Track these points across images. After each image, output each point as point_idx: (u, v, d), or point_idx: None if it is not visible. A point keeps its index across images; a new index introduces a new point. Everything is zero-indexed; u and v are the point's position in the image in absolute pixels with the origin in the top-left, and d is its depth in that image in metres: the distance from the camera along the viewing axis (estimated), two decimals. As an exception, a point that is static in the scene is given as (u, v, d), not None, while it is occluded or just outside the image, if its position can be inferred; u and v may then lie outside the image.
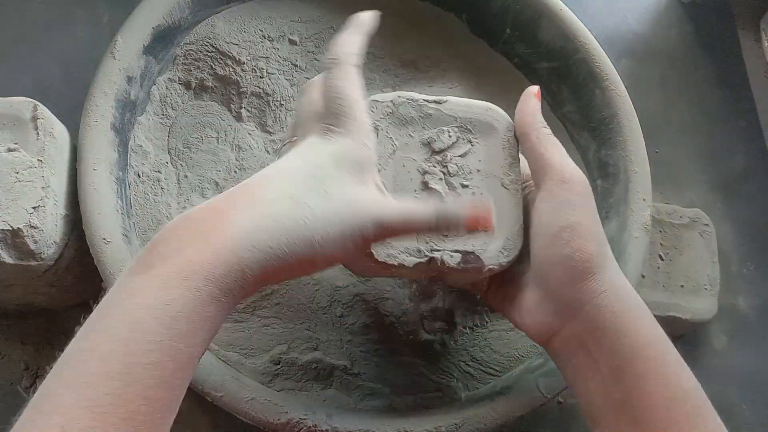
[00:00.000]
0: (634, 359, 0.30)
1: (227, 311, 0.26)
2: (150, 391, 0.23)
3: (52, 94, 0.53)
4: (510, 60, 0.54)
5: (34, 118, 0.39)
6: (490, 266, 0.34)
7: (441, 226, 0.31)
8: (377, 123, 0.35)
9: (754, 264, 0.62)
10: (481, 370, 0.44)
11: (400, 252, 0.34)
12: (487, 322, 0.45)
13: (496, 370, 0.44)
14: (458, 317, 0.45)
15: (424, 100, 0.36)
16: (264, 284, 0.27)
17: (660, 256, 0.55)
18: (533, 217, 0.34)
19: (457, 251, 0.34)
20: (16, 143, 0.38)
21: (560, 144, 0.34)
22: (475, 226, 0.31)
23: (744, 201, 0.65)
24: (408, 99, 0.36)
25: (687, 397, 0.30)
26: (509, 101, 0.53)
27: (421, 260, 0.34)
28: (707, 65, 0.70)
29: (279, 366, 0.41)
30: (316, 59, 0.50)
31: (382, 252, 0.33)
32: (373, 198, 0.30)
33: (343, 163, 0.30)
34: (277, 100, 0.48)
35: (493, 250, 0.34)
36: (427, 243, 0.34)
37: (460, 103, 0.36)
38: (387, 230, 0.30)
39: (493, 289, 0.38)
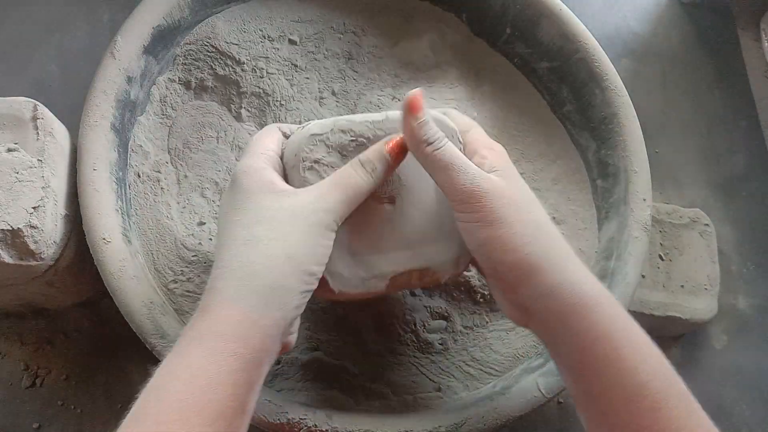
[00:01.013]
0: (586, 357, 0.30)
1: (257, 362, 0.28)
2: None
3: (52, 94, 0.53)
4: (510, 60, 0.54)
5: (34, 118, 0.39)
6: (447, 277, 0.36)
7: (371, 170, 0.33)
8: (319, 158, 0.34)
9: (754, 264, 0.62)
10: (481, 370, 0.44)
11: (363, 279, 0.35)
12: (487, 322, 0.45)
13: (496, 370, 0.44)
14: (458, 317, 0.45)
15: (365, 121, 0.34)
16: (279, 323, 0.29)
17: (660, 256, 0.55)
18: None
19: (413, 270, 0.35)
20: (16, 143, 0.38)
21: (448, 155, 0.32)
22: (398, 151, 0.33)
23: (744, 201, 0.65)
24: (343, 128, 0.34)
25: (645, 392, 0.29)
26: (509, 101, 0.53)
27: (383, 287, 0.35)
28: (707, 65, 0.70)
29: (279, 366, 0.41)
30: (316, 59, 0.50)
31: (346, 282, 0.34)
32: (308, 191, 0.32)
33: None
34: (277, 100, 0.48)
35: (448, 261, 0.35)
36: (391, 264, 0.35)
37: (387, 120, 0.35)
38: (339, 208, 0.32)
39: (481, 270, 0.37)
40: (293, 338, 0.32)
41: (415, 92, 0.32)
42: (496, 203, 0.31)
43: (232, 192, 0.32)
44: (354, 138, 0.34)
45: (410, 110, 0.32)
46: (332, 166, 0.34)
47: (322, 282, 0.33)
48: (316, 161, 0.34)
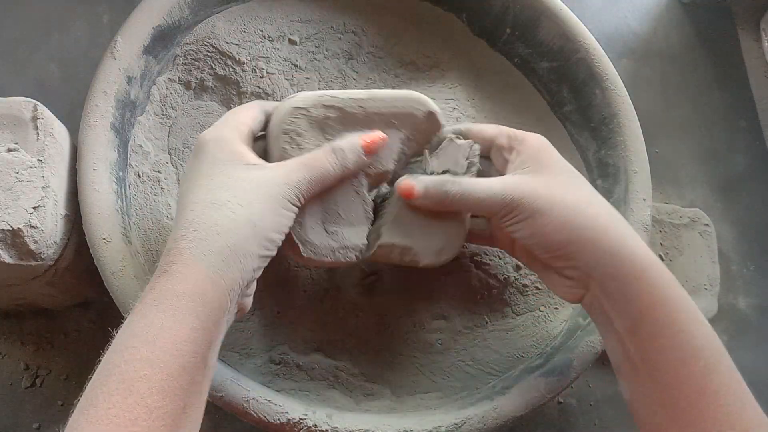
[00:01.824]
0: (643, 321, 0.32)
1: (215, 320, 0.29)
2: (147, 400, 0.26)
3: (52, 94, 0.53)
4: (510, 60, 0.54)
5: (34, 118, 0.39)
6: (426, 263, 0.37)
7: (341, 159, 0.34)
8: (300, 131, 0.35)
9: (754, 264, 0.62)
10: (481, 370, 0.44)
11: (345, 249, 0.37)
12: (487, 322, 0.45)
13: (496, 370, 0.44)
14: (458, 317, 0.45)
15: (349, 98, 0.36)
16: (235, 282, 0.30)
17: (660, 256, 0.55)
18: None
19: (399, 247, 0.37)
20: (16, 143, 0.38)
21: (463, 190, 0.35)
22: (371, 149, 0.36)
23: (744, 201, 0.65)
24: (326, 104, 0.35)
25: (699, 355, 0.31)
26: (509, 101, 0.53)
27: (370, 253, 0.37)
28: (707, 65, 0.70)
29: (279, 366, 0.41)
30: (316, 59, 0.50)
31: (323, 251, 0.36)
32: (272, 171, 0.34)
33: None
34: (277, 101, 0.48)
35: (431, 251, 0.37)
36: (378, 237, 0.37)
37: (385, 98, 0.37)
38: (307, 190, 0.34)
39: (518, 252, 0.40)
40: (249, 301, 0.34)
41: (403, 186, 0.36)
42: (527, 200, 0.34)
43: (198, 159, 0.33)
44: (336, 114, 0.35)
45: (408, 199, 0.36)
46: (312, 141, 0.35)
47: (294, 247, 0.35)
48: (298, 134, 0.35)
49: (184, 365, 0.27)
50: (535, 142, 0.37)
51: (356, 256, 0.37)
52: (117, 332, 0.28)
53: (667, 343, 0.31)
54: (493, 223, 0.40)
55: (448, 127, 0.39)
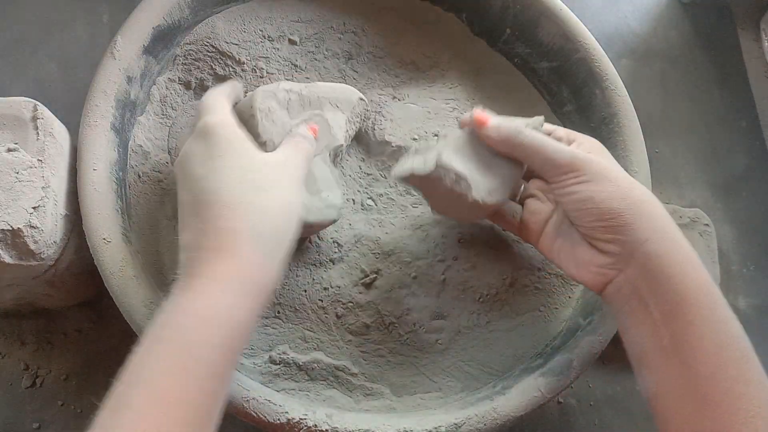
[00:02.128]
0: (684, 305, 0.32)
1: (265, 302, 0.31)
2: (203, 381, 0.27)
3: (52, 94, 0.53)
4: (510, 60, 0.54)
5: (34, 118, 0.39)
6: (474, 198, 0.38)
7: (309, 141, 0.39)
8: (272, 108, 0.40)
9: (754, 264, 0.62)
10: (481, 370, 0.44)
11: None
12: (487, 322, 0.45)
13: (496, 370, 0.44)
14: (458, 317, 0.45)
15: (303, 86, 0.42)
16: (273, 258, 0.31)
17: (660, 256, 0.55)
18: (559, 201, 0.38)
19: (455, 172, 0.38)
20: (16, 143, 0.38)
21: (538, 139, 0.37)
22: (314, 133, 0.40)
23: (744, 201, 0.65)
24: (287, 88, 0.41)
25: (735, 344, 0.31)
26: (509, 101, 0.53)
27: (427, 170, 0.38)
28: (707, 65, 0.70)
29: (279, 366, 0.41)
30: (316, 59, 0.50)
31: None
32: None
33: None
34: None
35: (483, 187, 0.38)
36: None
37: (326, 87, 0.43)
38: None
39: (546, 241, 0.40)
40: None
41: (478, 113, 0.38)
42: (595, 165, 0.36)
43: (211, 142, 0.33)
44: (296, 97, 0.41)
45: (479, 126, 0.38)
46: (280, 116, 0.40)
47: None
48: (270, 110, 0.40)
49: (236, 349, 0.29)
50: (594, 141, 0.40)
51: (337, 213, 0.41)
52: (161, 309, 0.29)
53: (706, 330, 0.31)
54: (546, 186, 0.40)
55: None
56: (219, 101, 0.36)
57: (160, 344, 0.28)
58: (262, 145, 0.39)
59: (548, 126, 0.40)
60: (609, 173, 0.35)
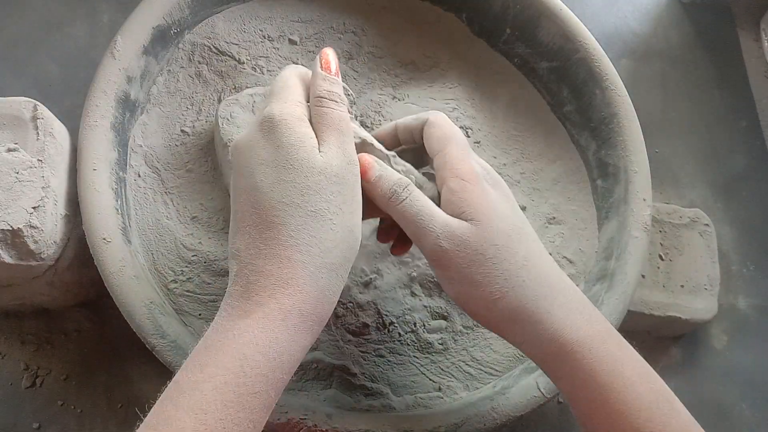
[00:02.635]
0: (574, 400, 0.31)
1: (317, 334, 0.30)
2: (255, 414, 0.26)
3: (52, 94, 0.53)
4: (510, 60, 0.54)
5: (34, 118, 0.39)
6: None
7: (335, 98, 0.32)
8: (233, 114, 0.42)
9: (754, 264, 0.62)
10: (481, 370, 0.44)
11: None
12: (487, 322, 0.45)
13: (496, 370, 0.44)
14: (458, 317, 0.45)
15: (266, 90, 0.43)
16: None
17: (660, 256, 0.55)
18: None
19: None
20: (16, 143, 0.38)
21: (414, 210, 0.32)
22: (326, 63, 0.33)
23: (744, 201, 0.65)
24: (251, 93, 0.43)
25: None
26: (509, 101, 0.53)
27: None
28: (707, 65, 0.70)
29: (279, 366, 0.41)
30: (316, 59, 0.50)
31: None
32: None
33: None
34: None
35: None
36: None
37: None
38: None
39: None
40: None
41: (363, 161, 0.33)
42: (461, 261, 0.31)
43: (273, 142, 0.30)
44: (260, 98, 0.42)
45: (363, 174, 0.32)
46: (244, 118, 0.42)
47: None
48: (231, 116, 0.42)
49: (286, 382, 0.28)
50: (481, 174, 0.33)
51: None
52: (221, 325, 0.28)
53: (603, 423, 0.30)
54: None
55: (407, 117, 0.38)
56: (291, 84, 0.32)
57: (216, 369, 0.26)
58: (225, 146, 0.41)
59: (439, 131, 0.35)
60: (473, 275, 0.31)
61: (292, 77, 0.33)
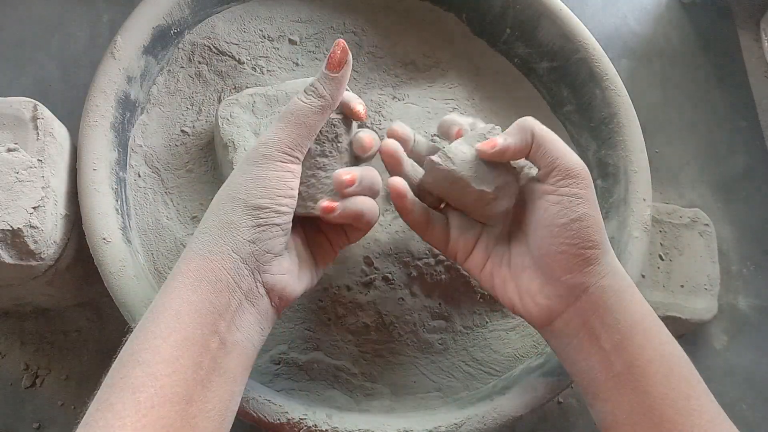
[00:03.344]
0: (634, 332, 0.32)
1: (218, 291, 0.30)
2: (153, 368, 0.27)
3: (52, 94, 0.53)
4: (510, 60, 0.54)
5: (34, 118, 0.39)
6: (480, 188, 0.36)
7: (309, 90, 0.33)
8: (233, 114, 0.42)
9: (754, 264, 0.62)
10: (481, 370, 0.44)
11: None
12: (487, 322, 0.45)
13: (496, 370, 0.44)
14: (458, 317, 0.45)
15: (270, 86, 0.43)
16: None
17: (660, 256, 0.55)
18: (538, 209, 0.35)
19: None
20: (16, 143, 0.38)
21: (560, 139, 0.35)
22: (334, 61, 0.33)
23: (744, 201, 0.65)
24: (251, 93, 0.42)
25: (681, 363, 0.32)
26: (509, 101, 0.53)
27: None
28: (707, 65, 0.70)
29: (279, 366, 0.41)
30: (316, 59, 0.50)
31: None
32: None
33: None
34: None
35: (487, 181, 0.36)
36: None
37: (295, 84, 0.43)
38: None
39: (476, 262, 0.38)
40: (281, 281, 0.32)
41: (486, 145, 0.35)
42: (591, 183, 0.34)
43: (255, 167, 0.33)
44: (261, 99, 0.42)
45: (490, 147, 0.35)
46: (245, 118, 0.42)
47: None
48: (231, 116, 0.42)
49: (186, 336, 0.28)
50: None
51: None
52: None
53: (655, 353, 0.32)
54: (539, 187, 0.36)
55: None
56: (302, 114, 0.33)
57: (126, 344, 0.29)
58: (225, 146, 0.41)
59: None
60: (596, 204, 0.34)
61: (299, 113, 0.33)
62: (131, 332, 0.29)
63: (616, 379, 0.32)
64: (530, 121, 0.35)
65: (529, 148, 0.35)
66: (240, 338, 0.30)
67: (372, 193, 0.35)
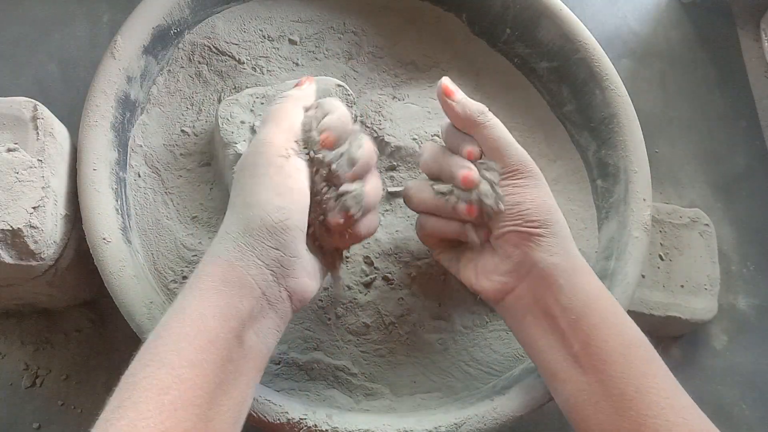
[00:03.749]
0: (589, 311, 0.33)
1: (240, 295, 0.30)
2: (179, 370, 0.27)
3: (52, 94, 0.53)
4: (510, 60, 0.54)
5: (34, 118, 0.39)
6: None
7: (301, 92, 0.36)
8: (233, 113, 0.42)
9: (754, 264, 0.62)
10: (481, 370, 0.44)
11: None
12: (487, 322, 0.45)
13: (496, 370, 0.44)
14: (458, 317, 0.45)
15: (270, 86, 0.44)
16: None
17: (660, 256, 0.55)
18: None
19: None
20: (16, 143, 0.38)
21: (499, 129, 0.37)
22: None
23: (744, 201, 0.65)
24: (251, 93, 0.43)
25: (641, 344, 0.33)
26: (509, 101, 0.53)
27: None
28: (707, 65, 0.70)
29: (279, 366, 0.41)
30: (316, 59, 0.50)
31: None
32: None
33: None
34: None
35: None
36: None
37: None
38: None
39: (446, 251, 0.41)
40: (301, 284, 0.33)
41: (444, 80, 0.37)
42: (537, 174, 0.37)
43: (255, 162, 0.33)
44: (261, 99, 0.43)
45: (446, 95, 0.37)
46: (245, 117, 0.42)
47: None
48: (231, 116, 0.42)
49: (211, 339, 0.28)
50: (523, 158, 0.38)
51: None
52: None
53: (611, 332, 0.33)
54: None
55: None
56: (285, 110, 0.35)
57: (146, 345, 0.29)
58: (225, 146, 0.41)
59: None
60: (544, 185, 0.37)
61: (286, 105, 0.35)
62: (149, 336, 0.30)
63: (575, 359, 0.33)
64: (487, 110, 0.37)
65: (474, 125, 0.37)
66: (259, 343, 0.31)
67: (375, 206, 0.37)
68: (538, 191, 0.36)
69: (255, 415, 0.36)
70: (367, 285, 0.44)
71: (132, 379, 0.27)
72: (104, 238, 0.38)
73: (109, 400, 0.27)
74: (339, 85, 0.44)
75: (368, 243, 0.44)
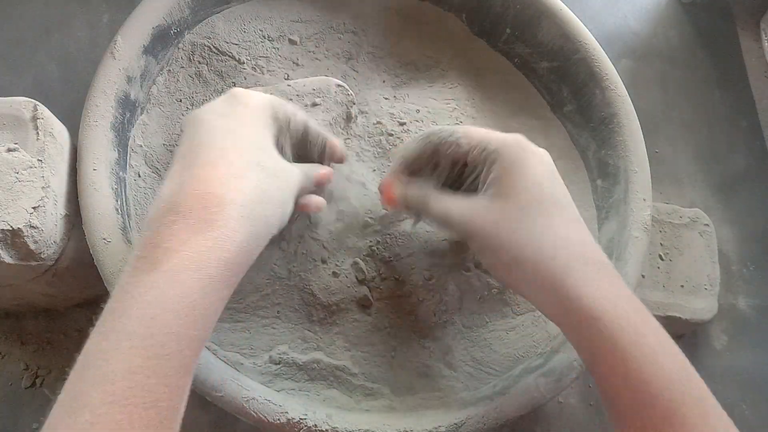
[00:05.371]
0: (596, 367, 0.31)
1: (235, 286, 0.28)
2: (170, 378, 0.24)
3: (52, 94, 0.53)
4: (510, 60, 0.54)
5: (34, 118, 0.39)
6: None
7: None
8: None
9: (754, 264, 0.62)
10: (481, 370, 0.44)
11: None
12: (487, 322, 0.45)
13: (496, 370, 0.44)
14: (458, 317, 0.45)
15: (281, 83, 0.45)
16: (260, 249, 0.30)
17: (660, 256, 0.55)
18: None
19: None
20: (16, 143, 0.38)
21: (437, 210, 0.37)
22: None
23: (744, 201, 0.65)
24: (266, 91, 0.43)
25: (655, 402, 0.29)
26: (509, 101, 0.53)
27: None
28: (707, 65, 0.70)
29: (279, 366, 0.41)
30: (316, 59, 0.50)
31: None
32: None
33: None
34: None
35: None
36: None
37: (305, 81, 0.45)
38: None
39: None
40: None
41: (383, 183, 0.40)
42: (478, 236, 0.34)
43: (235, 104, 0.33)
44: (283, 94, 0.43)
45: (388, 204, 0.40)
46: None
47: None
48: None
49: (205, 339, 0.27)
50: (508, 154, 0.35)
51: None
52: (125, 279, 0.26)
53: (621, 392, 0.30)
54: None
55: (447, 126, 0.39)
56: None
57: (122, 335, 0.24)
58: None
59: (465, 139, 0.37)
60: (492, 244, 0.34)
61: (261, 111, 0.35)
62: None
63: (603, 402, 0.32)
64: (423, 202, 0.38)
65: (422, 210, 0.38)
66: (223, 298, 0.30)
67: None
68: (488, 256, 0.35)
69: (255, 415, 0.36)
70: (367, 284, 0.44)
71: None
72: (104, 238, 0.38)
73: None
74: (339, 85, 0.44)
75: (368, 243, 0.44)
